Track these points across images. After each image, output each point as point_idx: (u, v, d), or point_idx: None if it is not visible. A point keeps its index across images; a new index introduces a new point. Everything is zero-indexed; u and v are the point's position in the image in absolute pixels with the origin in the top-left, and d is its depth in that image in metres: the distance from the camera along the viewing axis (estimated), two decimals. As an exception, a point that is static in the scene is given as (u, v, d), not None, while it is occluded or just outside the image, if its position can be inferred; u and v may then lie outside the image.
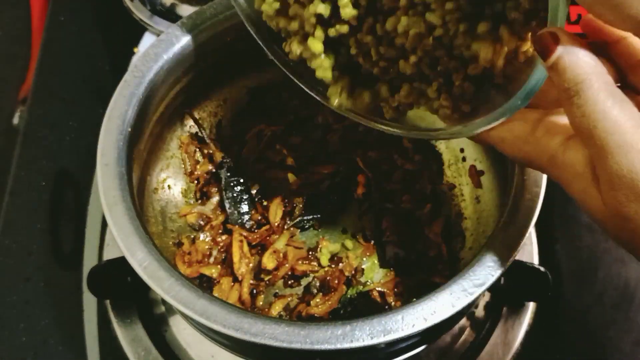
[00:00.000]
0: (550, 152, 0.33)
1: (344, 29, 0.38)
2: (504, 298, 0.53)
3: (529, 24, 0.33)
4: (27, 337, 0.53)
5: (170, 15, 0.69)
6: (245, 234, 0.51)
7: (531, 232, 0.55)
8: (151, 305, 0.53)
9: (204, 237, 0.51)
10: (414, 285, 0.49)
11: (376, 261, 0.51)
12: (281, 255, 0.50)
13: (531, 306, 0.53)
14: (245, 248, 0.50)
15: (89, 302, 0.54)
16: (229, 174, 0.54)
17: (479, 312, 0.53)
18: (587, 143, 0.30)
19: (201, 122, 0.55)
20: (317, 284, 0.50)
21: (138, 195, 0.46)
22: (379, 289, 0.49)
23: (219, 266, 0.50)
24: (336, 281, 0.49)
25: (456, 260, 0.50)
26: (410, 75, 0.37)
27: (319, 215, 0.53)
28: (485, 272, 0.37)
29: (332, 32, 0.38)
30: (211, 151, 0.54)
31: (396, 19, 0.36)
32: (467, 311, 0.50)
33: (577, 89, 0.29)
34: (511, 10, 0.32)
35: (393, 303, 0.48)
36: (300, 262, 0.51)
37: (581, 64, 0.30)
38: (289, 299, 0.49)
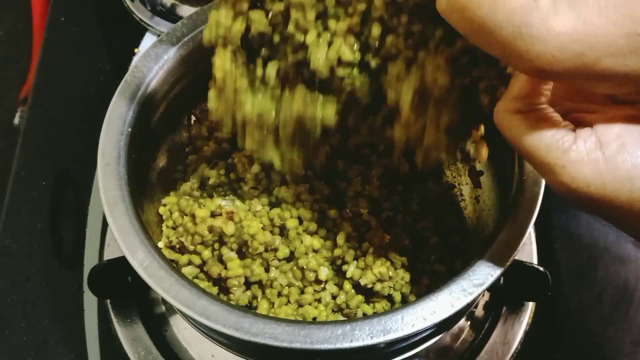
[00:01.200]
0: None
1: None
2: (503, 298, 0.53)
3: None
4: (27, 336, 0.53)
5: (170, 15, 0.69)
6: None
7: (530, 232, 0.55)
8: (151, 304, 0.53)
9: None
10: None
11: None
12: None
13: (530, 306, 0.53)
14: None
15: (90, 301, 0.54)
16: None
17: (479, 311, 0.53)
18: (523, 158, 0.31)
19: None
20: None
21: (138, 195, 0.46)
22: None
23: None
24: None
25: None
26: None
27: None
28: (485, 272, 0.37)
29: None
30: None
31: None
32: (467, 311, 0.50)
33: (496, 116, 0.31)
34: None
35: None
36: None
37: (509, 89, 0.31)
38: None
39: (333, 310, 0.46)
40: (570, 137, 0.29)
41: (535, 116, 0.30)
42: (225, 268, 0.46)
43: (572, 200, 0.30)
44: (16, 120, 0.75)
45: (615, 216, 0.30)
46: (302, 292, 0.46)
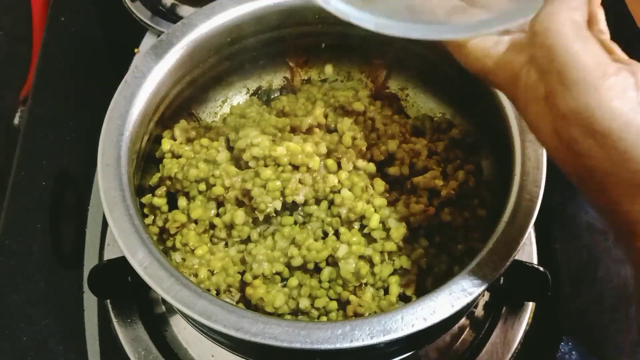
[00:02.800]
0: (513, 70, 0.32)
1: None
2: (503, 298, 0.53)
3: None
4: (27, 336, 0.53)
5: (170, 15, 0.69)
6: None
7: (530, 232, 0.55)
8: (151, 305, 0.53)
9: None
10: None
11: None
12: None
13: (530, 306, 0.53)
14: None
15: (90, 302, 0.54)
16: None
17: (479, 311, 0.53)
18: (543, 76, 0.30)
19: (201, 123, 0.55)
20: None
21: (138, 195, 0.46)
22: None
23: None
24: None
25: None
26: None
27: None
28: (485, 272, 0.37)
29: None
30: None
31: None
32: (467, 311, 0.50)
33: (544, 19, 0.29)
34: None
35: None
36: None
37: None
38: None
39: None
40: (614, 66, 0.28)
41: (587, 33, 0.29)
42: None
43: (575, 131, 0.29)
44: (16, 120, 0.75)
45: (607, 170, 0.29)
46: None
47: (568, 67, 0.28)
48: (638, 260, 0.31)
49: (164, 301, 0.53)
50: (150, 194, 0.48)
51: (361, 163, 0.48)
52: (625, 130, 0.27)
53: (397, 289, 0.45)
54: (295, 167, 0.47)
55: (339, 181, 0.47)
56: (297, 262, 0.45)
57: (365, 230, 0.46)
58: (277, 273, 0.46)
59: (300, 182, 0.46)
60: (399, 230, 0.45)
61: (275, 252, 0.46)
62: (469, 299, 0.36)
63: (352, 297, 0.44)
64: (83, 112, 0.65)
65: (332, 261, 0.45)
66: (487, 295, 0.54)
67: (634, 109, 0.27)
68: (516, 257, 0.38)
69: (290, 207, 0.47)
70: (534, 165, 0.41)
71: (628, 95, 0.28)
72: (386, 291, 0.46)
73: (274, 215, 0.46)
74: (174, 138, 0.51)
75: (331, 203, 0.47)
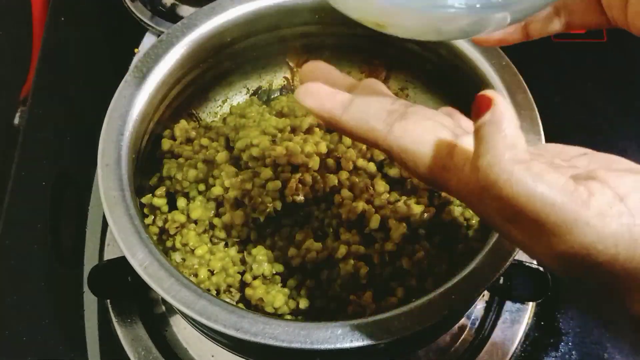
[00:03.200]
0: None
1: None
2: (503, 298, 0.53)
3: None
4: (27, 337, 0.53)
5: (170, 15, 0.69)
6: None
7: (531, 232, 0.55)
8: (151, 304, 0.53)
9: None
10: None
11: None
12: None
13: (530, 306, 0.53)
14: None
15: (90, 301, 0.54)
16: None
17: (479, 311, 0.53)
18: (516, 225, 0.25)
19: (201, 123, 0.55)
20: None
21: (138, 195, 0.46)
22: None
23: None
24: None
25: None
26: None
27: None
28: (485, 272, 0.37)
29: None
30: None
31: None
32: (467, 311, 0.50)
33: (488, 171, 0.25)
34: None
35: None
36: None
37: (498, 138, 0.24)
38: None
39: None
40: (582, 188, 0.24)
41: (538, 165, 0.24)
42: None
43: (579, 269, 0.25)
44: (16, 120, 0.75)
45: (622, 287, 0.26)
46: None
47: (543, 214, 0.24)
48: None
49: (164, 301, 0.53)
50: (150, 194, 0.48)
51: (361, 163, 0.48)
52: (633, 247, 0.24)
53: (397, 290, 0.45)
54: (295, 167, 0.47)
55: (339, 181, 0.47)
56: (296, 262, 0.45)
57: (365, 231, 0.46)
58: (277, 273, 0.46)
59: (300, 182, 0.46)
60: (399, 231, 0.45)
61: (275, 253, 0.46)
62: (469, 299, 0.36)
63: (352, 297, 0.44)
64: (83, 112, 0.65)
65: (332, 261, 0.45)
66: (487, 295, 0.54)
67: (631, 223, 0.24)
68: (516, 257, 0.38)
69: (290, 207, 0.47)
70: (534, 165, 0.41)
71: (617, 210, 0.24)
72: (386, 292, 0.46)
73: (274, 215, 0.46)
74: (174, 138, 0.51)
75: (331, 203, 0.47)
